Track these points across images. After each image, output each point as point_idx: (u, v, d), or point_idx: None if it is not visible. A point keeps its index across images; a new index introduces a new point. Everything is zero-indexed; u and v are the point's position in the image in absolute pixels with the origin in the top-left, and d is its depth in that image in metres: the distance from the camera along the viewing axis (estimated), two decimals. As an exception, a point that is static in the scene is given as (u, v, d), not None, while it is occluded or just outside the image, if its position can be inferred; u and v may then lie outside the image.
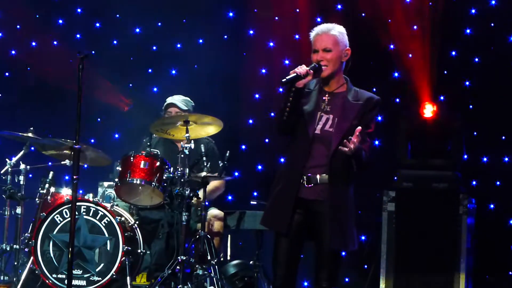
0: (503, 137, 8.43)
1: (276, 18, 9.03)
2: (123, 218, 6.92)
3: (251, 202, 8.12)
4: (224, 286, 6.81)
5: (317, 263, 4.97)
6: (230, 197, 8.90)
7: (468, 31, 8.57)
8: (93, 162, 7.29)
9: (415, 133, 7.84)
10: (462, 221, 7.42)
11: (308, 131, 4.91)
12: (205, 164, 6.89)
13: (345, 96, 4.98)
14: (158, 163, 6.90)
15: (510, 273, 8.24)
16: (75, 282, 6.68)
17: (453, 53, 8.59)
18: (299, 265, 5.02)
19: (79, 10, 9.41)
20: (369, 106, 4.97)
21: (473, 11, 8.57)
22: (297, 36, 8.83)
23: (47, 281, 6.72)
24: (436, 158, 7.71)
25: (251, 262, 7.32)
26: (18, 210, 7.15)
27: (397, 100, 8.66)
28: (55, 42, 9.43)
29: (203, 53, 8.86)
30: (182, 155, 7.08)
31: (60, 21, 9.44)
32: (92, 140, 9.00)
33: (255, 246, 7.46)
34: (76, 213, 6.55)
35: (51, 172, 7.14)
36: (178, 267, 6.59)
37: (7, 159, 7.19)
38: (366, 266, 8.37)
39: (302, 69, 4.86)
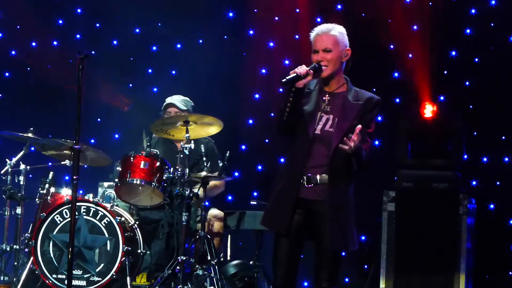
0: (503, 137, 8.43)
1: (276, 18, 9.03)
2: (123, 218, 6.92)
3: (251, 202, 8.12)
4: (224, 286, 6.81)
5: (317, 263, 4.97)
6: (230, 197, 8.90)
7: (468, 31, 8.57)
8: (93, 162, 7.29)
9: (415, 133, 7.84)
10: (462, 221, 7.42)
11: (308, 131, 4.91)
12: (205, 164, 6.89)
13: (345, 96, 4.98)
14: (158, 163, 6.90)
15: (510, 273, 8.24)
16: (75, 282, 6.68)
17: (453, 53, 8.59)
18: (299, 265, 5.01)
19: (79, 10, 9.40)
20: (369, 106, 4.96)
21: (473, 11, 8.57)
22: (297, 36, 8.83)
23: (47, 281, 6.72)
24: (436, 158, 7.71)
25: (251, 262, 7.33)
26: (18, 210, 7.15)
27: (397, 100, 8.66)
28: (55, 42, 9.43)
29: (203, 53, 8.85)
30: (182, 155, 7.09)
31: (60, 21, 9.44)
32: (92, 140, 9.00)
33: (255, 246, 7.46)
34: (76, 213, 6.55)
35: (51, 172, 7.14)
36: (178, 267, 6.59)
37: (7, 160, 7.19)
38: (366, 266, 8.37)
39: (302, 69, 4.86)
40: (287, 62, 8.85)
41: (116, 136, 9.22)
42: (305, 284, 8.52)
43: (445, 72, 8.58)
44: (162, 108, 7.59)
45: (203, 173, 6.86)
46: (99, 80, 8.87)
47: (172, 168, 6.96)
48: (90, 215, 6.81)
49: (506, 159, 8.42)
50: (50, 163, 7.36)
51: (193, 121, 6.87)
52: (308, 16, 8.81)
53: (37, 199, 7.06)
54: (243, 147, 9.03)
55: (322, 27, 5.01)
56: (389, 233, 7.51)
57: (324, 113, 4.97)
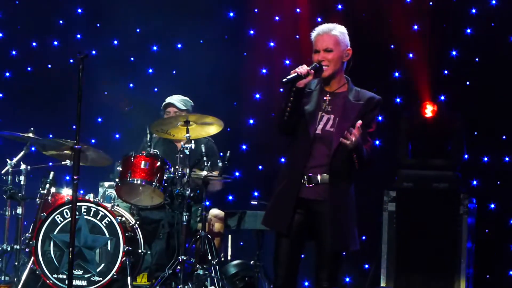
0: (504, 137, 8.43)
1: (277, 18, 9.03)
2: (123, 218, 6.92)
3: (252, 202, 8.12)
4: (225, 286, 6.81)
5: (318, 263, 4.96)
6: (230, 197, 8.90)
7: (468, 31, 8.57)
8: (93, 163, 7.29)
9: (416, 133, 7.85)
10: (462, 221, 7.43)
11: (309, 131, 4.91)
12: (205, 164, 6.89)
13: (346, 96, 4.98)
14: (158, 163, 6.91)
15: (510, 273, 8.24)
16: (75, 282, 6.68)
17: (454, 53, 8.59)
18: (299, 265, 5.01)
19: (79, 10, 9.41)
20: (370, 106, 4.96)
21: (474, 11, 8.57)
22: (297, 36, 8.83)
23: (47, 281, 6.72)
24: (437, 158, 7.72)
25: (251, 262, 7.33)
26: (19, 210, 7.15)
27: (398, 100, 8.66)
28: (55, 42, 9.43)
29: (204, 53, 8.85)
30: (182, 155, 7.09)
31: (61, 21, 9.44)
32: (93, 140, 9.00)
33: (255, 246, 7.46)
34: (77, 213, 6.55)
35: (52, 172, 7.13)
36: (178, 267, 6.60)
37: (7, 160, 7.19)
38: (366, 266, 8.37)
39: (303, 69, 4.86)
40: (287, 62, 8.85)
41: (117, 136, 9.23)
42: (306, 284, 8.52)
43: (446, 72, 8.58)
44: (161, 108, 7.60)
45: (204, 173, 6.86)
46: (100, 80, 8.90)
47: (172, 168, 6.96)
48: (91, 215, 6.81)
49: (507, 159, 8.42)
50: (50, 163, 7.36)
51: (194, 121, 6.87)
52: (308, 16, 8.81)
53: (37, 199, 7.05)
54: (244, 147, 9.03)
55: (323, 27, 5.01)
56: (389, 233, 7.52)
57: (325, 113, 4.96)
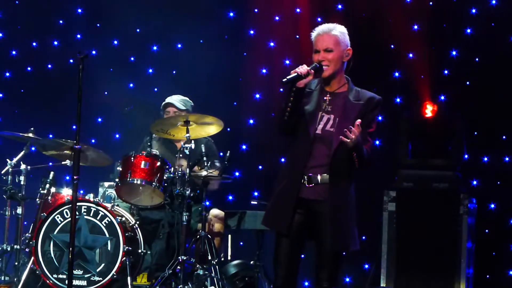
0: (504, 137, 8.43)
1: (277, 18, 9.03)
2: (123, 218, 6.92)
3: (252, 202, 8.12)
4: (225, 286, 6.81)
5: (318, 263, 4.96)
6: (230, 197, 8.90)
7: (468, 31, 8.57)
8: (93, 163, 7.29)
9: (416, 133, 7.85)
10: (462, 221, 7.43)
11: (309, 131, 4.91)
12: (205, 164, 6.89)
13: (346, 96, 4.98)
14: (158, 163, 6.91)
15: (510, 273, 8.24)
16: (75, 282, 6.68)
17: (454, 53, 8.59)
18: (299, 265, 5.01)
19: (79, 10, 9.41)
20: (370, 106, 4.96)
21: (474, 10, 8.57)
22: (297, 36, 8.83)
23: (47, 281, 6.72)
24: (437, 158, 7.71)
25: (251, 262, 7.33)
26: (19, 210, 7.15)
27: (398, 100, 8.66)
28: (55, 42, 9.43)
29: (204, 53, 8.85)
30: (181, 155, 7.10)
31: (61, 21, 9.44)
32: (93, 140, 9.00)
33: (255, 246, 7.46)
34: (77, 213, 6.55)
35: (52, 172, 7.13)
36: (178, 267, 6.60)
37: (7, 160, 7.19)
38: (366, 266, 8.37)
39: (303, 69, 4.86)
40: (287, 62, 8.85)
41: (117, 136, 9.23)
42: (306, 284, 8.52)
43: (446, 72, 8.58)
44: (161, 107, 7.60)
45: (204, 173, 6.86)
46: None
47: (172, 168, 6.97)
48: (91, 215, 6.81)
49: (507, 158, 8.42)
50: (50, 163, 7.36)
51: (193, 121, 6.87)
52: (308, 16, 8.81)
53: (37, 199, 7.05)
54: (244, 147, 9.03)
55: (323, 27, 5.01)
56: (389, 233, 7.52)
57: (325, 113, 4.96)
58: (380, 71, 8.57)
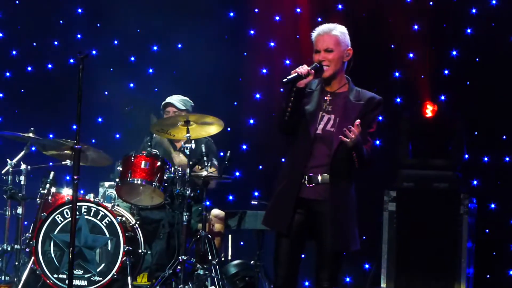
0: (504, 137, 8.42)
1: (277, 18, 9.03)
2: (124, 218, 6.92)
3: (252, 202, 8.12)
4: (225, 286, 6.81)
5: (318, 263, 4.96)
6: (231, 197, 8.90)
7: (468, 31, 8.57)
8: (94, 162, 7.29)
9: (416, 133, 7.84)
10: (463, 221, 7.43)
11: (310, 131, 4.91)
12: (205, 164, 6.89)
13: (347, 96, 4.98)
14: (158, 163, 6.91)
15: (510, 273, 8.24)
16: (76, 282, 6.68)
17: (454, 52, 8.59)
18: (300, 265, 5.01)
19: (79, 10, 9.41)
20: (370, 106, 4.96)
21: (474, 10, 8.57)
22: (297, 36, 8.83)
23: (48, 281, 6.72)
24: (437, 158, 7.71)
25: (252, 262, 7.33)
26: (19, 210, 7.15)
27: (398, 100, 8.66)
28: (55, 42, 9.43)
29: (204, 53, 8.85)
30: (181, 155, 7.11)
31: (61, 21, 9.44)
32: (93, 140, 9.00)
33: (256, 246, 7.46)
34: (77, 213, 6.55)
35: (52, 172, 7.13)
36: (179, 267, 6.60)
37: (8, 159, 7.19)
38: (366, 266, 8.37)
39: (303, 69, 4.86)
40: (287, 62, 8.85)
41: (117, 136, 9.23)
42: (306, 283, 8.52)
43: (446, 72, 8.58)
44: (161, 107, 7.60)
45: (204, 173, 6.86)
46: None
47: (172, 168, 6.97)
48: (91, 215, 6.81)
49: (507, 158, 8.42)
50: (51, 163, 7.37)
51: (194, 121, 6.87)
52: (308, 16, 8.81)
53: (38, 199, 7.05)
54: (244, 147, 9.03)
55: (324, 27, 5.01)
56: (390, 233, 7.52)
57: (325, 112, 4.96)
58: (380, 71, 8.57)
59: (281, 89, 8.28)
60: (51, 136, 8.85)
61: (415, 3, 8.66)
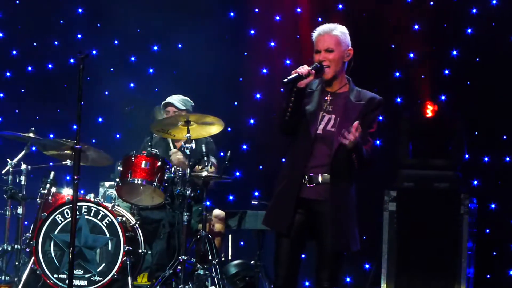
0: (504, 137, 8.43)
1: (277, 18, 9.03)
2: (124, 218, 6.92)
3: (252, 202, 8.12)
4: (226, 286, 6.81)
5: (319, 263, 4.96)
6: (231, 197, 8.90)
7: (469, 30, 8.57)
8: (94, 162, 7.29)
9: (416, 133, 7.84)
10: (463, 221, 7.42)
11: (310, 131, 4.91)
12: (206, 164, 6.89)
13: (347, 97, 4.98)
14: (159, 163, 6.91)
15: (511, 273, 8.24)
16: (76, 282, 6.68)
17: (454, 52, 8.59)
18: (300, 265, 5.01)
19: (80, 10, 9.41)
20: (371, 106, 4.96)
21: (474, 10, 8.57)
22: (298, 36, 8.83)
23: (48, 281, 6.72)
24: (437, 158, 7.71)
25: (252, 262, 7.33)
26: (19, 210, 7.16)
27: (398, 100, 8.66)
28: (56, 42, 9.43)
29: (204, 53, 8.85)
30: (178, 153, 7.11)
31: (61, 21, 9.44)
32: (93, 140, 9.00)
33: (256, 246, 7.46)
34: (77, 213, 6.55)
35: (52, 172, 7.14)
36: (179, 267, 6.60)
37: (8, 159, 7.20)
38: (367, 266, 8.37)
39: (304, 69, 4.86)
40: (288, 62, 8.85)
41: (117, 136, 9.23)
42: (306, 284, 8.52)
43: (446, 71, 8.58)
44: (161, 107, 7.60)
45: (204, 173, 6.86)
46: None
47: (173, 168, 6.97)
48: (91, 215, 6.81)
49: (507, 158, 8.42)
50: (51, 163, 7.37)
51: (194, 120, 6.87)
52: (309, 15, 8.81)
53: (38, 199, 7.06)
54: (244, 147, 9.03)
55: (324, 27, 5.01)
56: (390, 233, 7.51)
57: (326, 113, 4.96)
58: (381, 71, 8.57)
59: (282, 89, 8.28)
60: (51, 136, 8.85)
61: (415, 3, 8.67)
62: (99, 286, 6.71)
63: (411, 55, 8.65)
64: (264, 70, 9.04)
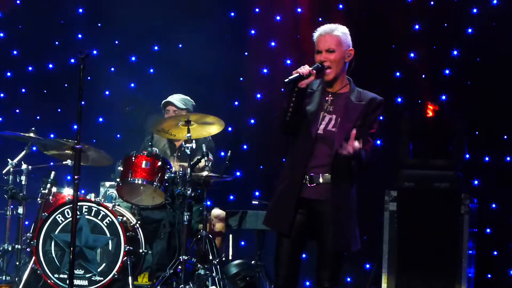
0: (505, 137, 8.42)
1: (278, 17, 9.03)
2: (124, 218, 6.92)
3: (253, 202, 8.13)
4: (226, 286, 6.81)
5: (319, 263, 4.97)
6: (231, 197, 8.90)
7: (469, 30, 8.57)
8: (94, 162, 7.29)
9: (417, 133, 7.84)
10: (463, 220, 7.41)
11: (311, 131, 4.91)
12: (206, 163, 6.89)
13: (348, 97, 4.98)
14: (159, 163, 6.91)
15: (511, 273, 8.24)
16: (76, 282, 6.68)
17: (455, 52, 8.58)
18: (301, 265, 5.01)
19: (80, 10, 9.41)
20: (371, 107, 4.96)
21: (475, 10, 8.56)
22: (298, 36, 8.83)
23: (48, 281, 6.73)
24: (438, 157, 7.70)
25: (252, 262, 7.33)
26: (20, 210, 7.16)
27: (399, 99, 8.66)
28: (56, 42, 9.43)
29: (204, 53, 8.85)
30: (180, 154, 7.10)
31: (62, 21, 9.44)
32: (94, 140, 9.00)
33: (256, 246, 7.46)
34: (78, 213, 6.56)
35: (53, 172, 7.14)
36: (179, 267, 6.60)
37: (9, 159, 7.20)
38: (367, 266, 8.37)
39: (305, 69, 4.86)
40: (288, 61, 8.85)
41: (118, 136, 9.23)
42: (307, 284, 8.52)
43: (447, 71, 8.57)
44: (161, 106, 7.61)
45: (205, 173, 6.86)
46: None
47: (173, 168, 6.97)
48: (92, 214, 6.81)
49: (508, 158, 8.42)
50: (51, 163, 7.38)
51: (195, 120, 6.87)
52: (309, 15, 8.81)
53: (38, 199, 7.06)
54: (245, 146, 9.03)
55: (325, 27, 5.01)
56: (390, 232, 7.51)
57: (327, 113, 4.96)
58: (381, 71, 8.57)
59: (282, 89, 8.28)
60: (52, 136, 8.85)
61: (416, 2, 8.66)
62: (100, 286, 6.71)
63: (412, 55, 8.65)
64: (265, 70, 9.04)
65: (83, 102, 5.52)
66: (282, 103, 4.95)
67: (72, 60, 9.25)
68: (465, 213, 7.42)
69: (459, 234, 7.39)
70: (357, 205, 5.00)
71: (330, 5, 8.80)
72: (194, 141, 6.81)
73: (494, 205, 8.35)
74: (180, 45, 9.21)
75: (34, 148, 7.45)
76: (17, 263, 7.01)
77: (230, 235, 7.87)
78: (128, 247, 6.70)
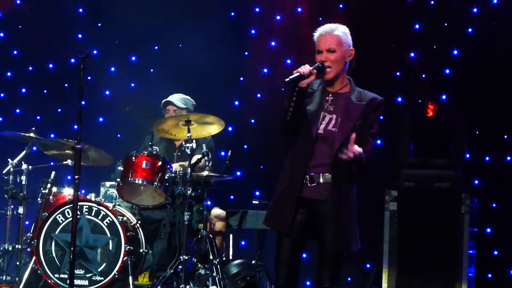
0: (505, 136, 8.42)
1: (278, 17, 9.03)
2: (125, 218, 6.92)
3: (253, 202, 8.12)
4: (226, 286, 6.81)
5: (320, 262, 4.96)
6: (232, 197, 8.90)
7: (470, 30, 8.57)
8: (95, 162, 7.29)
9: (417, 133, 7.84)
10: (464, 220, 7.42)
11: (311, 131, 4.91)
12: (206, 163, 6.89)
13: (349, 97, 4.98)
14: (160, 163, 6.91)
15: (511, 272, 8.24)
16: (77, 282, 6.68)
17: (455, 52, 8.59)
18: (301, 264, 5.01)
19: (80, 10, 9.41)
20: (372, 107, 4.96)
21: (475, 10, 8.56)
22: (298, 36, 8.82)
23: (49, 281, 6.73)
24: (438, 157, 7.70)
25: (253, 262, 7.33)
26: (20, 210, 7.16)
27: (399, 99, 8.66)
28: (56, 42, 9.43)
29: (204, 52, 8.85)
30: (179, 153, 7.10)
31: (62, 21, 9.44)
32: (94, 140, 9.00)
33: (257, 246, 7.46)
34: (78, 213, 6.56)
35: (53, 172, 7.14)
36: (180, 267, 6.60)
37: (9, 159, 7.20)
38: (367, 266, 8.37)
39: (305, 68, 4.86)
40: (289, 61, 8.85)
41: (118, 135, 9.23)
42: (307, 283, 8.51)
43: (447, 71, 8.57)
44: (161, 105, 7.61)
45: (205, 173, 6.86)
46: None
47: (173, 168, 6.97)
48: (92, 214, 6.81)
49: (508, 158, 8.42)
50: (52, 163, 7.38)
51: (195, 120, 6.87)
52: (309, 15, 8.81)
53: (39, 199, 7.06)
54: (245, 146, 9.03)
55: (326, 27, 5.01)
56: (391, 232, 7.51)
57: (327, 112, 4.96)
58: (381, 70, 8.56)
59: (283, 89, 8.28)
60: (52, 136, 8.86)
61: (416, 2, 8.67)
62: (100, 286, 6.71)
63: (412, 54, 8.65)
64: (265, 70, 9.04)
65: (83, 102, 5.53)
66: (282, 102, 4.95)
67: (72, 60, 9.25)
68: (465, 212, 7.42)
69: (460, 234, 7.39)
70: (357, 205, 5.00)
71: (330, 4, 8.80)
72: (194, 141, 6.81)
73: (494, 205, 8.36)
74: (180, 45, 9.21)
75: (35, 148, 7.46)
76: (18, 263, 7.01)
77: (231, 235, 7.87)
78: (128, 247, 6.70)
